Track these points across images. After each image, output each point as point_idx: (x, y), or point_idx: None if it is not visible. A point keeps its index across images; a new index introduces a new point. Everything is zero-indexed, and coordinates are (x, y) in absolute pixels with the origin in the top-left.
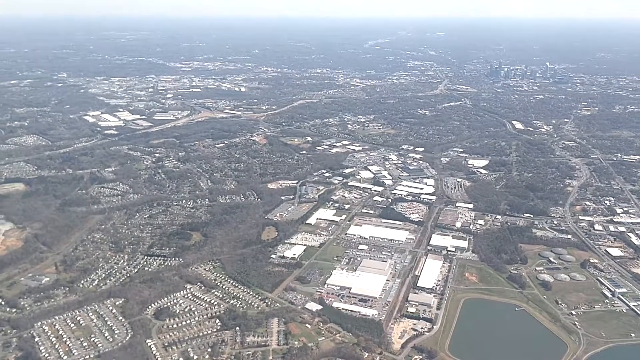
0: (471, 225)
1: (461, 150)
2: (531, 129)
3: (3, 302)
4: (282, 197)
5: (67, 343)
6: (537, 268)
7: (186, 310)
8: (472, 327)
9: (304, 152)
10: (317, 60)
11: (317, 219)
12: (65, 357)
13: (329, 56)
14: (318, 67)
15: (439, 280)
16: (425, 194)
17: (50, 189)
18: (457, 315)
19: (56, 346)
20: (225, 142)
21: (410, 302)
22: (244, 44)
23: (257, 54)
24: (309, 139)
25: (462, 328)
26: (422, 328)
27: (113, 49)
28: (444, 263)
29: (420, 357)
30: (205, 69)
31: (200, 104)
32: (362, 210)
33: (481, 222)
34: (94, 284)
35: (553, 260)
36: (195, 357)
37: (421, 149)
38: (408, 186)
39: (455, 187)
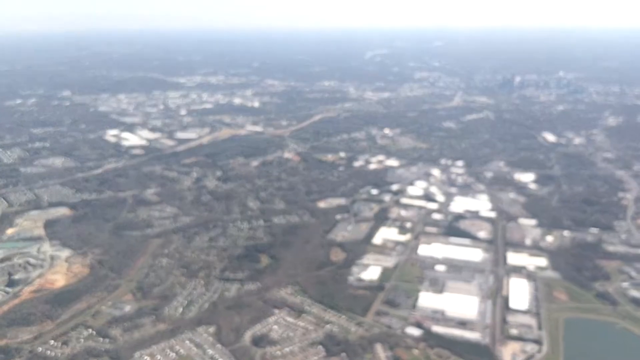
0: (541, 242)
1: (502, 164)
2: (563, 140)
3: (94, 333)
4: (337, 216)
5: None
6: (622, 284)
7: (284, 336)
8: (581, 347)
9: (342, 168)
10: (321, 73)
11: (382, 238)
12: None
13: (332, 69)
14: (325, 80)
15: (530, 301)
16: (484, 210)
17: (97, 213)
18: (561, 335)
19: None
20: (259, 160)
21: (509, 324)
22: (241, 57)
23: (257, 67)
24: (342, 154)
25: (571, 348)
26: (531, 349)
27: (109, 64)
28: (528, 282)
29: None
30: (210, 84)
31: (218, 121)
32: (425, 229)
33: (550, 238)
34: (178, 312)
35: (634, 276)
36: None
37: (460, 164)
38: (463, 202)
39: (510, 203)
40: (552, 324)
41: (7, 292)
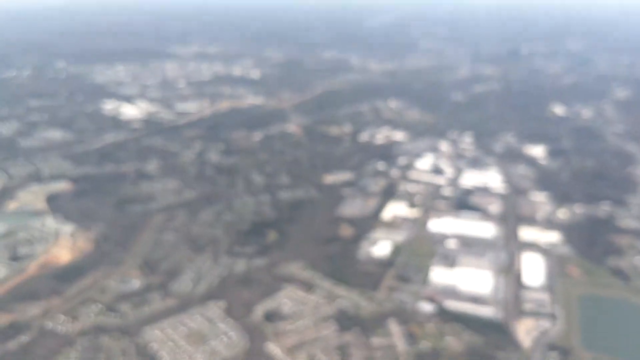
0: (552, 217)
1: (511, 136)
2: (572, 113)
3: (104, 308)
4: (344, 191)
5: (186, 349)
6: (635, 260)
7: (295, 311)
8: (596, 323)
9: (346, 141)
10: (321, 43)
11: (391, 213)
12: None
13: (332, 38)
14: (326, 50)
15: (543, 276)
16: (494, 184)
17: (99, 187)
18: (575, 311)
19: (176, 352)
20: (261, 133)
21: (523, 300)
22: (237, 26)
23: (254, 37)
24: (347, 128)
25: (586, 324)
26: (545, 326)
27: (101, 34)
28: (541, 258)
29: (555, 354)
30: (207, 54)
31: (218, 92)
32: (435, 204)
33: (561, 213)
34: (187, 287)
35: None
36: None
37: (469, 136)
38: (472, 177)
39: (520, 177)
40: (566, 300)
41: (12, 266)
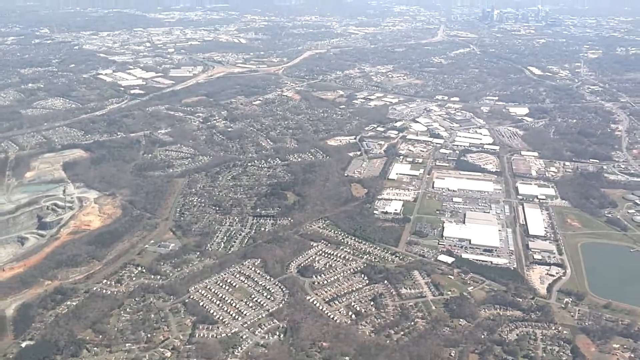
0: (546, 173)
1: (496, 98)
2: (550, 74)
3: (144, 270)
4: (350, 154)
5: (232, 304)
6: (629, 211)
7: (327, 266)
8: (601, 269)
9: (343, 106)
10: (300, 7)
11: (397, 174)
12: (239, 318)
13: (309, 2)
14: (306, 15)
15: (546, 228)
16: (487, 144)
17: (114, 154)
18: (581, 259)
19: (224, 308)
20: (260, 99)
21: (532, 250)
22: None
23: (234, 1)
24: (341, 92)
25: (592, 271)
26: (556, 273)
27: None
28: (541, 211)
29: (570, 299)
30: (190, 20)
31: (208, 58)
32: (436, 163)
33: (554, 169)
34: (221, 247)
35: (639, 202)
36: (363, 310)
37: (456, 99)
38: (466, 137)
39: (510, 136)
40: (570, 249)
41: (42, 235)
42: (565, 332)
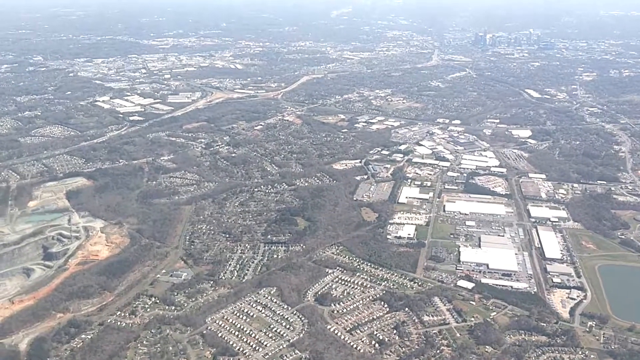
0: (556, 195)
1: (497, 121)
2: (548, 96)
3: (158, 301)
4: (357, 178)
5: (252, 335)
6: None
7: (345, 294)
8: (621, 291)
9: (345, 130)
10: (293, 33)
11: (406, 197)
12: (260, 349)
13: (303, 28)
14: (300, 41)
15: (562, 250)
16: (494, 166)
17: (118, 182)
18: (600, 281)
19: (243, 339)
20: (261, 124)
21: (551, 273)
22: (206, 18)
23: (227, 28)
24: (342, 116)
25: (612, 293)
26: (577, 296)
27: (71, 27)
28: (555, 233)
29: (593, 323)
30: (184, 46)
31: (206, 84)
32: (445, 187)
33: (563, 191)
34: (235, 276)
35: None
36: (387, 339)
37: (457, 122)
38: (472, 160)
39: (515, 158)
40: (588, 271)
41: (49, 266)
42: (592, 356)
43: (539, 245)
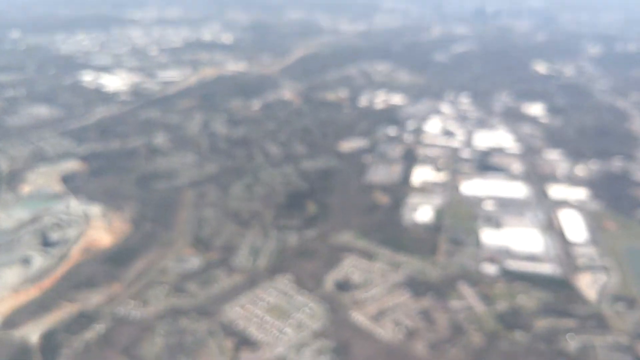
0: (572, 174)
1: (505, 96)
2: (554, 71)
3: (171, 289)
4: (365, 158)
5: (272, 323)
6: None
7: (364, 279)
8: None
9: (347, 107)
10: (284, 2)
11: (420, 179)
12: (282, 338)
13: None
14: (292, 11)
15: (584, 231)
16: (508, 144)
17: (114, 164)
18: (625, 262)
19: (264, 327)
20: (259, 101)
21: (574, 255)
22: None
23: None
24: (343, 93)
25: (639, 275)
26: (603, 278)
27: (48, 1)
28: (577, 214)
29: (622, 304)
30: (169, 19)
31: (196, 59)
32: (458, 167)
33: (579, 169)
34: (248, 262)
35: None
36: (413, 326)
37: (465, 97)
38: (484, 137)
39: (529, 135)
40: (612, 253)
41: (48, 253)
42: (623, 339)
43: (561, 227)
